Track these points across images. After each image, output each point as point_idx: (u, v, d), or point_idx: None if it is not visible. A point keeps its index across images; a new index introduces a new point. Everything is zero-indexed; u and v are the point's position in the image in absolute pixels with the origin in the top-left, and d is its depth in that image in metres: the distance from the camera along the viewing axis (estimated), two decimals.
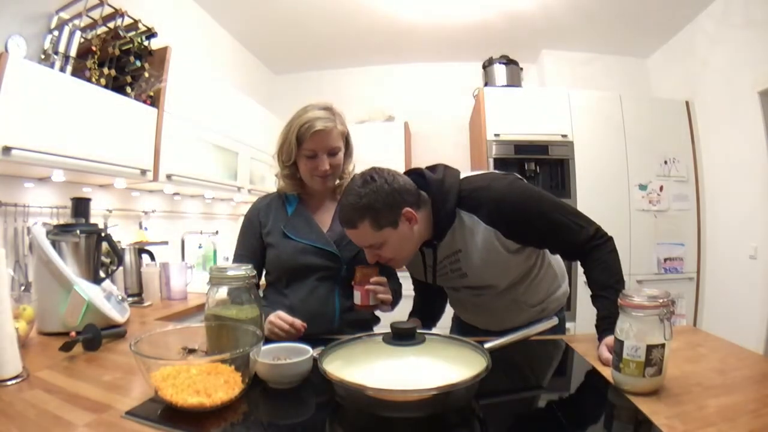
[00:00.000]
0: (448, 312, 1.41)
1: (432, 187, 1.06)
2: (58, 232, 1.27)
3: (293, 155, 1.21)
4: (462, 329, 1.33)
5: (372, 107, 3.84)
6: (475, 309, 1.28)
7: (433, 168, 1.12)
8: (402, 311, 1.31)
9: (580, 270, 1.13)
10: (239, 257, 1.26)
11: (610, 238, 1.08)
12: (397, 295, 1.26)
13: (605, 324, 0.96)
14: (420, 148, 3.85)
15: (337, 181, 1.30)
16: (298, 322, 1.09)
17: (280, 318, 1.09)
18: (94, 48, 1.83)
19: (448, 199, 1.04)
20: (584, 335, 1.13)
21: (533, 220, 1.03)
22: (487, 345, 0.81)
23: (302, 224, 1.25)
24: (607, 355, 0.88)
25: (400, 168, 3.93)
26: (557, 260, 1.27)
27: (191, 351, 0.87)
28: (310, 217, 1.27)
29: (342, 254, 1.22)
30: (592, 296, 1.06)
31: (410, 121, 3.90)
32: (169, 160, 2.06)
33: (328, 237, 1.23)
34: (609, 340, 0.88)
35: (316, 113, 1.19)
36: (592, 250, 1.05)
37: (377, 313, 1.34)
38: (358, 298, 1.13)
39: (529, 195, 1.06)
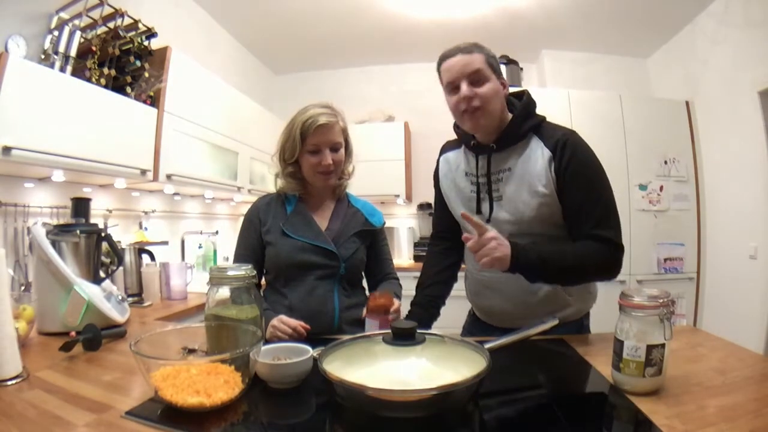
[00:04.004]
0: (459, 310, 1.36)
1: (524, 100, 1.14)
2: (58, 232, 1.26)
3: (297, 152, 1.23)
4: (477, 329, 1.26)
5: (372, 107, 3.84)
6: (500, 293, 1.18)
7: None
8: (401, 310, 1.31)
9: None
10: (239, 256, 1.27)
11: (622, 255, 1.06)
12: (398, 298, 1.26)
13: (525, 251, 0.98)
14: (420, 148, 3.85)
15: (337, 181, 1.30)
16: (300, 327, 1.09)
17: (282, 322, 1.10)
18: (94, 48, 1.83)
19: (531, 116, 1.13)
20: (584, 335, 1.13)
21: (588, 178, 1.06)
22: (487, 345, 0.81)
23: (301, 222, 1.25)
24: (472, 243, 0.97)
25: (401, 168, 3.88)
26: None
27: (191, 351, 0.87)
28: (309, 215, 1.27)
29: (340, 252, 1.22)
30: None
31: (410, 121, 3.90)
32: (169, 160, 2.06)
33: (326, 235, 1.24)
34: (492, 235, 0.96)
35: (318, 110, 1.22)
36: (605, 247, 1.03)
37: None
38: (375, 326, 1.09)
39: (599, 165, 1.09)
